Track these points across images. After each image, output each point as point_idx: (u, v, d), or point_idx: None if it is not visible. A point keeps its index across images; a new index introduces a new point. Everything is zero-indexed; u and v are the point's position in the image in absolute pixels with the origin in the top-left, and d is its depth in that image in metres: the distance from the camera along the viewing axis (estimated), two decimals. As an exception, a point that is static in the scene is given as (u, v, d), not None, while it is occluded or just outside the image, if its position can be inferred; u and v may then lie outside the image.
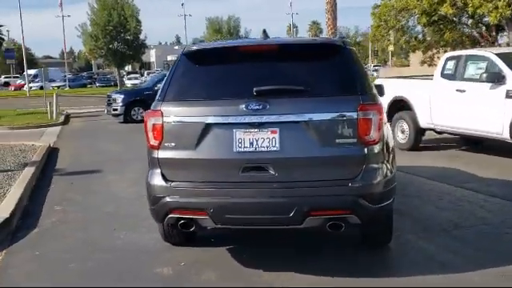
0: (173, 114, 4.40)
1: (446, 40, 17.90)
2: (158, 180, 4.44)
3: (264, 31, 4.99)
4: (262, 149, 4.20)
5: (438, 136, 11.00)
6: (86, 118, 22.06)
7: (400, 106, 10.97)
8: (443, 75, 10.18)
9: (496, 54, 9.33)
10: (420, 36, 19.66)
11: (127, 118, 18.99)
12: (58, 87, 55.45)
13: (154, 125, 4.43)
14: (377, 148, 4.27)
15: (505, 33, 17.66)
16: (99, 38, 47.23)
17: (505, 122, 8.68)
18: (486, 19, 17.28)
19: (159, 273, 4.72)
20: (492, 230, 5.57)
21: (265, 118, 4.19)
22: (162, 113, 4.41)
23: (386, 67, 54.95)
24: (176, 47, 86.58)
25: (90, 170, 9.76)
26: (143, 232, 5.78)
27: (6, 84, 68.03)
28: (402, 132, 10.86)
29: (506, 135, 8.77)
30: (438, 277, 4.43)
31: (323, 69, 4.51)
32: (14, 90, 59.32)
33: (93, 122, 20.64)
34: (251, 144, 4.21)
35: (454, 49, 16.39)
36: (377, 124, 4.22)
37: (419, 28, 19.41)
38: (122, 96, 19.64)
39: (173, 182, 4.39)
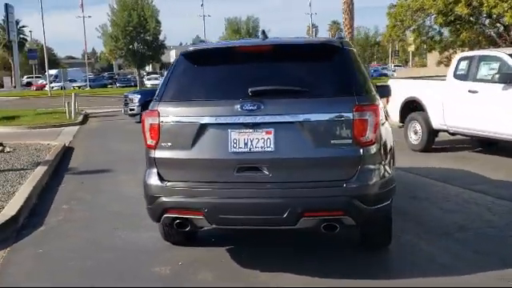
0: (169, 114, 4.42)
1: (463, 40, 17.68)
2: (154, 180, 4.47)
3: (263, 32, 4.98)
4: (257, 149, 4.19)
5: (452, 137, 10.85)
6: (103, 118, 22.32)
7: (413, 106, 10.88)
8: (456, 76, 10.04)
9: (509, 55, 9.18)
10: (437, 36, 19.44)
11: (144, 117, 19.10)
12: (79, 87, 56.29)
13: (151, 125, 4.46)
14: (373, 149, 4.23)
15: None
16: (119, 38, 47.80)
17: (517, 123, 8.55)
18: (504, 19, 17.00)
19: (157, 272, 4.75)
20: (496, 233, 5.49)
21: (259, 119, 4.18)
22: (158, 113, 4.43)
23: (406, 68, 54.51)
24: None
25: (101, 170, 9.87)
26: (144, 231, 5.79)
27: (29, 84, 69.20)
28: (415, 133, 10.74)
29: (518, 137, 8.63)
30: (437, 278, 4.38)
31: (320, 69, 4.48)
32: (36, 89, 60.36)
33: (110, 121, 20.86)
34: (246, 144, 4.21)
35: (471, 49, 16.17)
36: (373, 125, 4.18)
37: (437, 28, 19.22)
38: (139, 96, 19.77)
39: (169, 181, 4.41)
